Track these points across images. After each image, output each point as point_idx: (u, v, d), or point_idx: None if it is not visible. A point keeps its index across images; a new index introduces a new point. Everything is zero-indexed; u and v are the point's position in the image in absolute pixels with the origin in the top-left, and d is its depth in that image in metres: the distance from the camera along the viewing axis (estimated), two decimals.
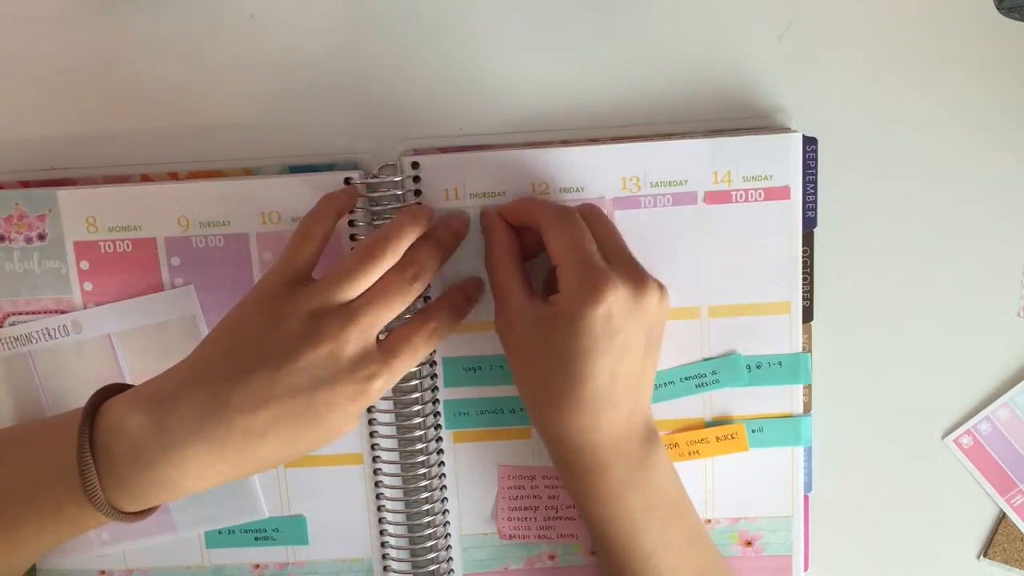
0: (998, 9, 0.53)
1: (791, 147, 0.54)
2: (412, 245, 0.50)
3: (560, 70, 0.55)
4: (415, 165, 0.54)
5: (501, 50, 0.55)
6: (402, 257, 0.50)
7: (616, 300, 0.48)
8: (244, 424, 0.46)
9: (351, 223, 0.54)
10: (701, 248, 0.55)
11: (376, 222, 0.54)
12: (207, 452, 0.46)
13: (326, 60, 0.55)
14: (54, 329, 0.55)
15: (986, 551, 0.59)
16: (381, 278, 0.49)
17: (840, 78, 0.55)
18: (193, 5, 0.54)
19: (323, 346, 0.47)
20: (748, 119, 0.55)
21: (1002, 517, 0.58)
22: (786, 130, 0.54)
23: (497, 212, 0.54)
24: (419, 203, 0.54)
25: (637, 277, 0.49)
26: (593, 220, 0.52)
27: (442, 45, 0.55)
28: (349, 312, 0.47)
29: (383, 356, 0.48)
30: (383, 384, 0.48)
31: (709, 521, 0.58)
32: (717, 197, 0.54)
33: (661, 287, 0.50)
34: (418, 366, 0.55)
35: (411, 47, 0.55)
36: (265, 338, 0.47)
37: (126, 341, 0.55)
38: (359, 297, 0.48)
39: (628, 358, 0.49)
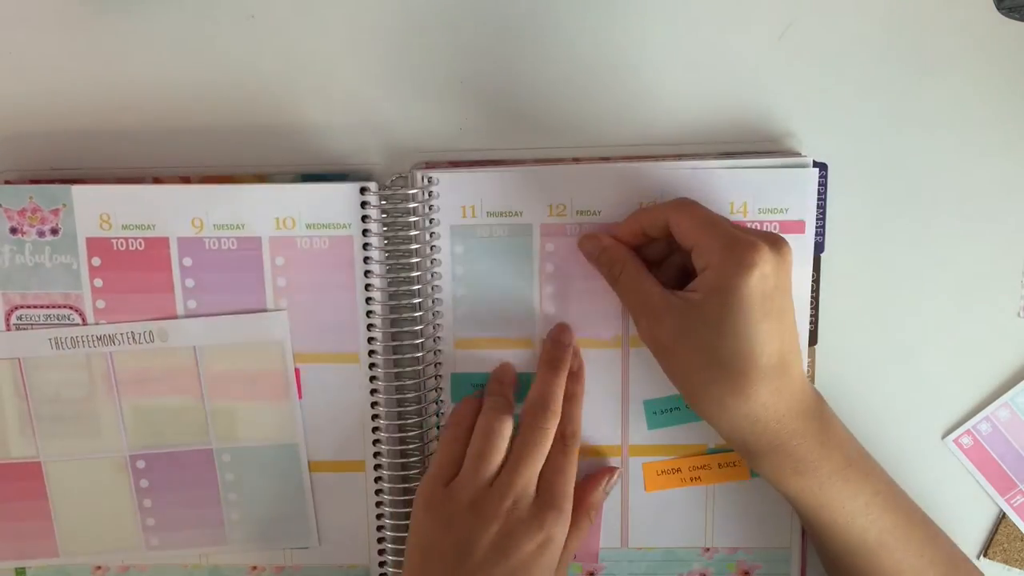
0: (998, 9, 0.53)
1: (807, 181, 0.53)
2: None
3: (567, 85, 0.55)
4: (430, 180, 0.54)
5: (512, 62, 0.55)
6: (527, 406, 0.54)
7: (767, 262, 0.47)
8: None
9: (364, 232, 0.54)
10: None
11: (387, 233, 0.54)
12: None
13: (332, 66, 0.55)
14: (139, 335, 0.55)
15: (986, 551, 0.59)
16: (516, 437, 0.53)
17: (850, 104, 0.56)
18: (194, 5, 0.54)
19: (492, 526, 0.50)
20: (758, 142, 0.56)
21: (1002, 517, 0.59)
22: (796, 154, 0.55)
23: (607, 234, 0.53)
24: (432, 218, 0.54)
25: (771, 236, 0.49)
26: None
27: (453, 56, 0.55)
28: (499, 487, 0.51)
29: (544, 503, 0.52)
30: (560, 523, 0.51)
31: (708, 549, 0.57)
32: None
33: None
34: (423, 378, 0.55)
35: (421, 56, 0.55)
36: (444, 543, 0.51)
37: (210, 355, 0.55)
38: (504, 464, 0.52)
39: (788, 318, 0.48)
